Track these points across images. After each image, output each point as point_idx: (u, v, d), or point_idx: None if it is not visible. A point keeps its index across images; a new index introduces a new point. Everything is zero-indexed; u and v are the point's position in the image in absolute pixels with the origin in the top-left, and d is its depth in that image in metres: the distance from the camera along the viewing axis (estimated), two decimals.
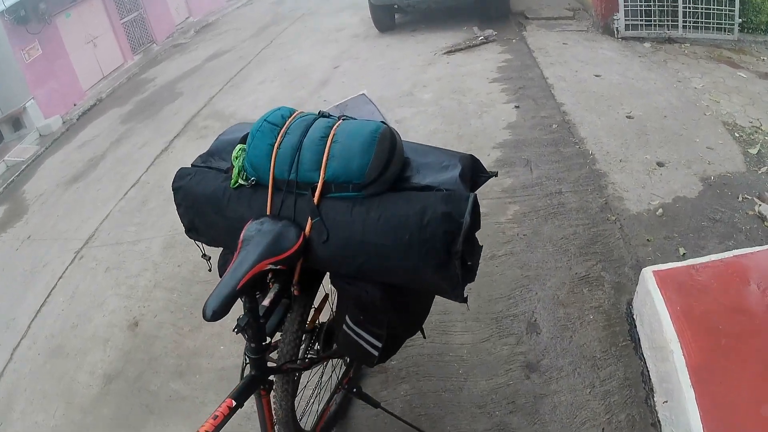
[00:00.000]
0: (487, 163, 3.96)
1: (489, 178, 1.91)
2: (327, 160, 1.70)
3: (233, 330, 1.75)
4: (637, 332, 2.64)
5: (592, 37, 6.05)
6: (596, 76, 5.04)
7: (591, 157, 3.85)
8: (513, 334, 2.80)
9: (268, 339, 1.95)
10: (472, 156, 1.85)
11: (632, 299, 2.76)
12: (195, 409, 3.18)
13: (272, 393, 2.09)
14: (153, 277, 4.44)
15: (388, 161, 1.68)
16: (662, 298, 2.34)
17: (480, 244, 1.78)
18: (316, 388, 2.50)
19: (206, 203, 2.04)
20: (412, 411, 2.62)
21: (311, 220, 1.75)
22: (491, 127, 4.54)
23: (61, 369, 4.00)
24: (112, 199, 5.90)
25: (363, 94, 2.04)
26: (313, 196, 1.74)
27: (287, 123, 1.83)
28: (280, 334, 2.08)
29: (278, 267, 1.74)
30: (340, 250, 1.75)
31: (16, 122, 8.92)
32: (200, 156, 2.17)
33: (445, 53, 6.43)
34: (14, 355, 4.52)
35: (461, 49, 6.34)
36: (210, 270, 2.26)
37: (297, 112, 1.89)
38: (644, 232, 3.16)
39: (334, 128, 1.75)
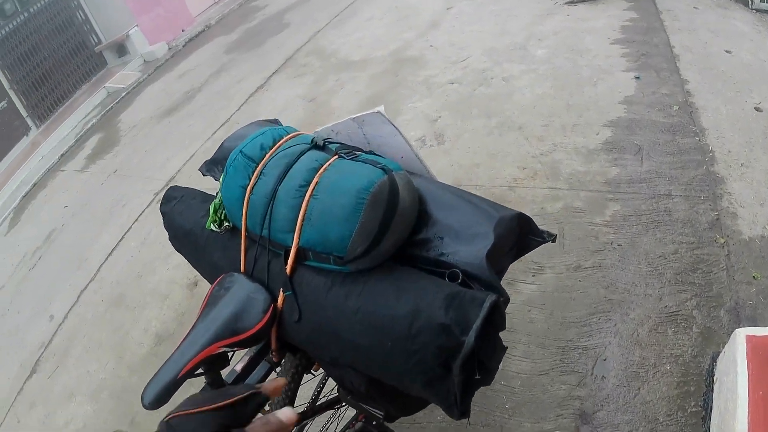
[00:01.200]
0: (594, 144, 3.71)
1: (543, 244, 1.50)
2: (302, 222, 1.37)
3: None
4: (711, 400, 2.28)
5: (725, 3, 5.30)
6: (726, 51, 4.45)
7: (710, 155, 3.44)
8: (576, 372, 2.57)
9: None
10: (520, 216, 1.40)
11: (717, 354, 2.40)
12: None
13: None
14: None
15: (381, 232, 1.30)
16: (747, 374, 1.96)
17: (505, 345, 1.33)
18: (330, 418, 2.32)
19: (184, 239, 1.84)
20: None
21: (283, 292, 1.48)
22: (605, 99, 4.15)
23: (119, 320, 4.25)
24: (200, 138, 5.98)
25: (378, 111, 1.58)
26: (286, 263, 1.44)
27: (266, 157, 1.50)
28: None
29: (234, 349, 1.49)
30: (314, 336, 1.46)
31: (121, 48, 9.17)
32: (205, 163, 1.92)
33: (566, 3, 5.86)
34: (81, 297, 4.81)
35: (584, 0, 5.78)
36: None
37: (285, 138, 1.56)
38: (752, 265, 2.79)
39: (320, 172, 1.39)
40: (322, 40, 6.94)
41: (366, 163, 1.39)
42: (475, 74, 5.01)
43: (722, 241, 2.95)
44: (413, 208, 1.39)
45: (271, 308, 1.47)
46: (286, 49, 7.11)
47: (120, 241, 5.18)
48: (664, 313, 2.70)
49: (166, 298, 4.15)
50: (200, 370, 1.46)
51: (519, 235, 1.43)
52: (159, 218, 5.13)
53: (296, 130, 1.64)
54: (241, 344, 1.47)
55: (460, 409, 1.27)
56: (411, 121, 4.66)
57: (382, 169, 1.35)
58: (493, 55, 5.23)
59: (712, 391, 2.30)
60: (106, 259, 5.05)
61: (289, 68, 6.59)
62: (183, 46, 8.99)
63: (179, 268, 4.37)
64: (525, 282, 3.00)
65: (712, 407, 2.26)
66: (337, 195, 1.32)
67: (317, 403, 2.13)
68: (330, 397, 2.18)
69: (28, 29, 8.31)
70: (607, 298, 2.83)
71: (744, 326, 2.38)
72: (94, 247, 5.40)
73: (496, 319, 1.23)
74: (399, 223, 1.34)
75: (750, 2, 5.16)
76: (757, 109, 3.79)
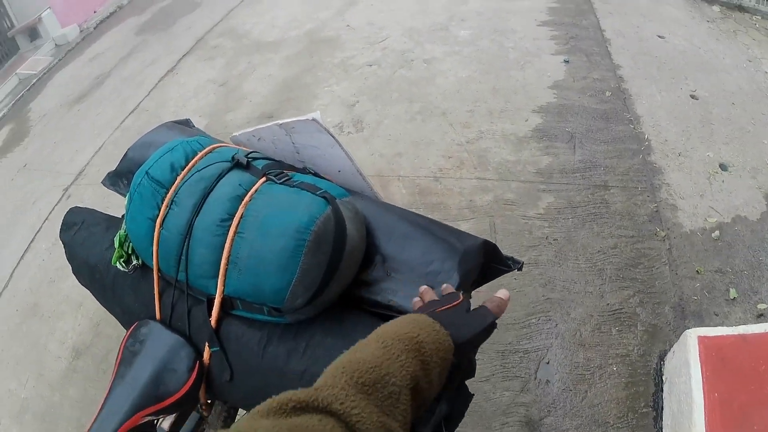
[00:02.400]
0: (523, 131, 3.50)
1: (509, 272, 1.28)
2: (226, 267, 1.12)
3: None
4: (662, 400, 2.24)
5: None
6: (659, 36, 4.35)
7: (646, 144, 3.29)
8: (519, 377, 2.42)
9: None
10: (485, 244, 1.20)
11: (665, 352, 2.36)
12: None
13: None
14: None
15: (326, 277, 1.08)
16: (701, 377, 1.93)
17: (471, 392, 1.14)
18: None
19: (89, 276, 1.53)
20: None
21: (209, 347, 1.23)
22: (534, 84, 3.95)
23: (36, 333, 3.95)
24: (108, 128, 5.68)
25: (313, 119, 1.31)
26: (210, 314, 1.20)
27: (178, 180, 1.22)
28: None
29: (160, 417, 1.28)
30: (251, 399, 1.20)
31: (33, 32, 8.80)
32: (108, 175, 1.64)
33: None
34: None
35: None
36: None
37: (200, 154, 1.28)
38: (695, 258, 2.68)
39: (245, 201, 1.13)
40: (234, 19, 6.62)
41: (302, 190, 1.14)
42: (395, 56, 4.76)
43: (663, 234, 2.81)
44: (362, 245, 1.17)
45: (196, 366, 1.24)
46: (196, 29, 6.80)
47: (31, 243, 4.81)
48: (606, 312, 2.56)
49: (80, 306, 3.85)
50: None
51: (483, 264, 1.21)
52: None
53: (212, 141, 1.35)
54: (167, 410, 1.24)
55: None
56: (327, 107, 4.37)
57: (323, 197, 1.12)
58: (413, 35, 4.99)
59: (662, 390, 2.27)
60: (18, 263, 4.67)
61: (199, 50, 6.29)
62: (94, 28, 8.59)
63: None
64: None
65: (663, 407, 2.23)
66: (269, 235, 1.08)
67: None
68: None
69: None
70: (545, 297, 2.67)
71: (690, 323, 2.44)
72: (5, 252, 5.00)
73: (468, 371, 1.06)
74: (346, 266, 1.11)
75: None
76: (692, 96, 3.67)
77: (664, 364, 2.33)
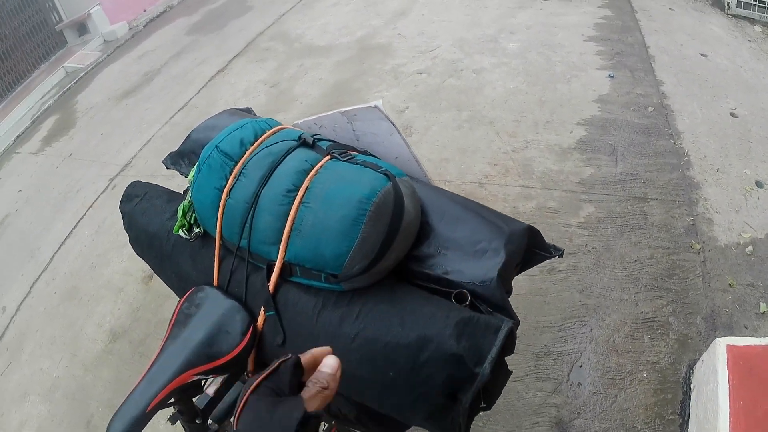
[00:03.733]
0: (567, 142, 3.61)
1: (550, 258, 1.34)
2: (289, 233, 1.18)
3: (167, 421, 1.41)
4: (689, 408, 2.27)
5: (701, 7, 5.27)
6: (702, 55, 4.40)
7: (686, 159, 3.37)
8: (552, 379, 2.49)
9: (214, 425, 1.55)
10: (529, 229, 1.27)
11: (694, 362, 2.40)
12: None
13: None
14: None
15: (384, 248, 1.14)
16: (728, 384, 1.95)
17: (510, 369, 1.20)
18: None
19: (148, 244, 1.60)
20: None
21: (264, 311, 1.29)
22: (579, 97, 4.05)
23: (73, 315, 4.04)
24: (157, 123, 5.78)
25: (375, 106, 1.38)
26: (269, 279, 1.26)
27: (246, 154, 1.30)
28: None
29: (209, 376, 1.31)
30: None
31: (82, 27, 8.85)
32: (170, 155, 1.71)
33: None
34: (33, 289, 4.58)
35: None
36: None
37: (268, 132, 1.36)
38: (728, 272, 2.75)
39: (310, 175, 1.20)
40: (286, 24, 6.71)
41: (365, 167, 1.22)
42: (445, 65, 4.87)
43: (698, 247, 2.89)
44: (417, 221, 1.24)
45: (250, 330, 1.29)
46: (248, 32, 6.88)
47: (74, 228, 4.94)
48: (640, 319, 2.63)
49: (121, 291, 3.96)
50: (171, 400, 1.29)
51: (527, 249, 1.28)
52: (114, 206, 4.81)
53: (279, 123, 1.43)
54: (217, 371, 1.29)
55: None
56: None
57: (385, 174, 1.19)
58: (463, 46, 5.09)
59: (690, 399, 2.29)
60: (59, 247, 4.81)
61: (251, 52, 6.38)
62: (144, 27, 8.65)
63: (134, 259, 4.09)
64: None
65: (689, 415, 2.24)
66: (333, 204, 1.14)
67: None
68: None
69: None
70: (582, 302, 2.75)
71: (721, 334, 2.45)
72: (47, 235, 5.14)
73: (508, 345, 1.10)
74: (402, 238, 1.18)
75: (726, 7, 5.12)
76: (732, 114, 3.74)
77: (693, 372, 2.37)
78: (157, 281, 3.65)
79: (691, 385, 2.34)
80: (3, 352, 4.20)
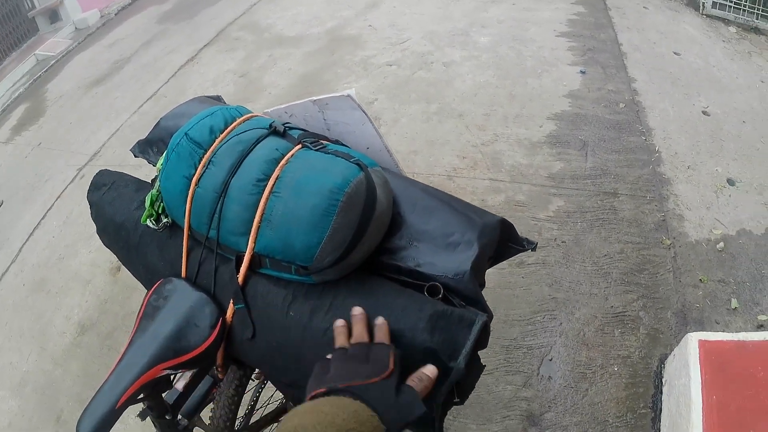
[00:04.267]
0: (537, 136, 3.59)
1: (523, 252, 1.34)
2: (259, 224, 1.16)
3: (137, 416, 1.41)
4: (661, 402, 2.27)
5: (675, 6, 5.31)
6: (675, 53, 4.41)
7: (657, 156, 3.35)
8: (522, 372, 2.47)
9: (183, 420, 1.57)
10: (502, 222, 1.25)
11: (666, 356, 2.41)
12: None
13: None
14: None
15: (355, 239, 1.11)
16: (700, 379, 1.95)
17: (483, 363, 1.19)
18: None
19: (115, 234, 1.58)
20: None
21: (233, 304, 1.26)
22: (549, 92, 4.02)
23: (41, 307, 3.97)
24: (126, 112, 5.71)
25: (348, 95, 1.36)
26: (238, 271, 1.23)
27: (216, 142, 1.26)
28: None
29: (178, 371, 1.31)
30: (269, 357, 1.27)
31: (54, 14, 8.79)
32: (138, 143, 1.67)
33: None
34: (1, 281, 4.48)
35: None
36: None
37: (239, 120, 1.32)
38: (698, 268, 2.74)
39: (281, 164, 1.18)
40: (257, 14, 6.67)
41: (337, 156, 1.19)
42: (415, 57, 4.83)
43: (668, 242, 2.87)
44: (389, 212, 1.21)
45: (219, 323, 1.27)
46: (219, 21, 6.85)
47: (42, 219, 4.84)
48: (610, 314, 2.61)
49: (89, 283, 3.90)
50: (140, 396, 1.28)
51: (499, 242, 1.26)
52: (81, 196, 4.75)
53: (249, 111, 1.38)
54: (186, 365, 1.27)
55: (437, 429, 1.10)
56: None
57: (357, 164, 1.15)
58: (434, 39, 5.05)
59: (662, 393, 2.30)
60: (28, 238, 4.71)
61: (221, 41, 6.34)
62: (115, 14, 8.60)
63: (102, 250, 4.00)
64: None
65: (661, 409, 2.25)
66: (304, 194, 1.11)
67: (254, 416, 1.97)
68: (274, 405, 2.04)
69: None
70: (551, 296, 2.72)
71: (692, 329, 2.46)
72: (16, 226, 5.03)
73: (482, 339, 1.08)
74: (374, 229, 1.15)
75: (701, 7, 5.16)
76: (704, 112, 3.75)
77: (664, 367, 2.37)
78: (125, 273, 3.67)
79: (663, 380, 2.34)
80: None
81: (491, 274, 2.74)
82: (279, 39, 5.86)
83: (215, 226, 1.23)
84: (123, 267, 3.75)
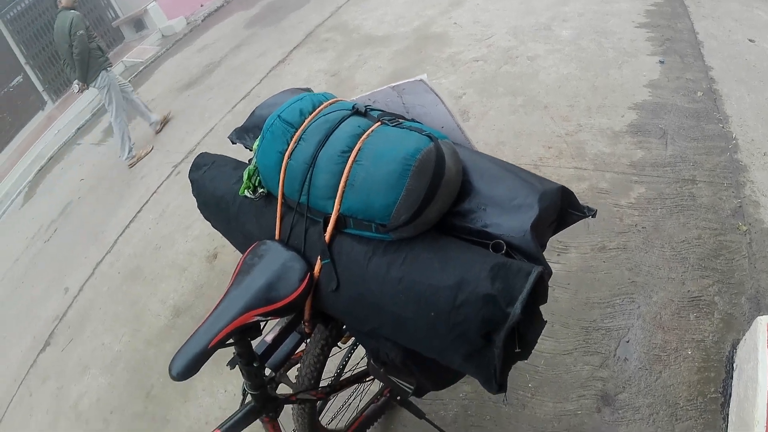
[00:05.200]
0: (619, 126, 3.76)
1: (582, 219, 1.45)
2: (344, 188, 1.33)
3: (227, 365, 1.55)
4: (731, 387, 2.29)
5: None
6: (750, 40, 4.43)
7: (734, 143, 3.47)
8: (599, 353, 2.58)
9: (270, 372, 1.71)
10: (562, 189, 1.37)
11: (738, 341, 2.43)
12: None
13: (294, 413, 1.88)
14: None
15: (426, 200, 1.26)
16: (767, 362, 1.95)
17: (544, 319, 1.32)
18: (354, 393, 2.33)
19: (215, 206, 1.78)
20: (466, 419, 2.49)
21: (320, 260, 1.43)
22: (630, 82, 4.18)
23: (136, 293, 4.31)
24: (220, 112, 6.00)
25: (421, 80, 1.54)
26: (325, 230, 1.41)
27: (305, 122, 1.45)
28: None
29: (268, 318, 1.44)
30: (351, 307, 1.42)
31: (138, 23, 9.22)
32: (235, 130, 1.85)
33: None
34: (96, 270, 4.83)
35: None
36: None
37: (325, 104, 1.51)
38: None
39: (362, 138, 1.35)
40: (344, 15, 6.87)
41: (411, 131, 1.35)
42: (500, 52, 5.03)
43: (744, 228, 3.00)
44: (458, 178, 1.35)
45: (307, 277, 1.44)
46: (307, 24, 7.05)
47: (138, 213, 5.17)
48: (686, 298, 2.72)
49: (185, 270, 4.17)
50: (231, 340, 1.43)
51: (560, 208, 1.39)
52: (178, 191, 4.98)
53: (334, 97, 1.59)
54: (276, 313, 1.43)
55: (498, 382, 1.25)
56: None
57: (428, 136, 1.32)
58: (518, 34, 5.24)
59: (732, 378, 2.31)
60: (123, 231, 5.05)
61: (310, 43, 6.55)
62: (202, 21, 8.94)
63: (199, 240, 4.38)
64: (550, 261, 2.88)
65: (731, 394, 2.25)
66: (382, 161, 1.29)
67: (342, 378, 2.07)
68: (356, 371, 2.13)
69: (45, 4, 8.31)
70: (630, 280, 2.86)
71: (765, 314, 2.37)
72: (110, 220, 5.37)
73: (540, 291, 1.20)
74: (444, 192, 1.30)
75: None
76: None
77: (736, 352, 2.39)
78: (221, 260, 3.99)
79: (734, 364, 2.36)
80: (64, 330, 4.41)
81: (574, 258, 3.00)
82: (368, 39, 6.08)
83: (306, 192, 1.41)
84: (219, 255, 3.99)
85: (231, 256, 4.03)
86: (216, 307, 1.41)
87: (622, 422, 2.33)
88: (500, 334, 1.16)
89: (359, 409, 2.36)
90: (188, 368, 1.32)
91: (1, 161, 9.86)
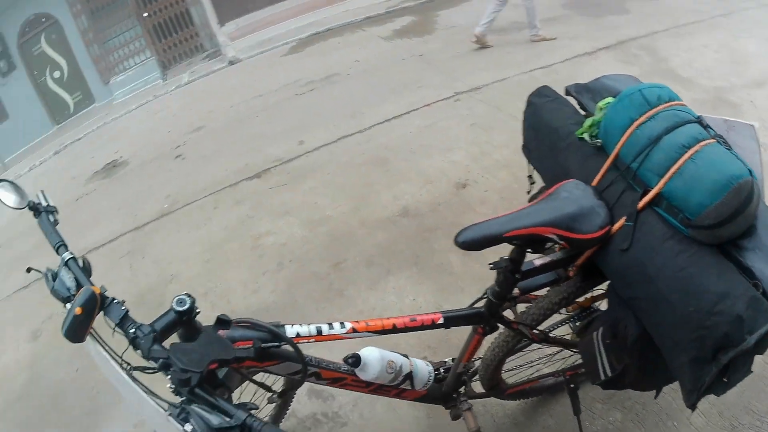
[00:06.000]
0: None
1: None
2: (674, 172, 1.46)
3: (489, 264, 1.64)
4: None
5: None
6: None
7: None
8: None
9: (517, 292, 1.79)
10: None
11: None
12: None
13: (496, 335, 1.98)
14: (506, 155, 4.37)
15: (731, 217, 1.37)
16: None
17: (752, 370, 1.41)
18: (535, 361, 2.40)
19: (546, 134, 1.93)
20: None
21: (624, 221, 1.56)
22: None
23: (373, 178, 4.42)
24: (517, 68, 6.32)
25: (752, 125, 1.67)
26: (641, 199, 1.54)
27: (660, 107, 1.58)
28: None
29: (561, 243, 1.59)
30: (627, 270, 1.53)
31: None
32: (575, 84, 2.00)
33: None
34: (341, 140, 5.08)
35: None
36: (528, 192, 2.11)
37: (676, 102, 1.63)
38: None
39: (700, 144, 1.47)
40: (657, 41, 6.72)
41: (738, 158, 1.46)
42: None
43: None
44: (754, 215, 1.45)
45: (606, 227, 1.58)
46: (620, 32, 7.01)
47: (404, 114, 5.38)
48: None
49: (430, 183, 4.26)
50: (519, 241, 1.58)
51: None
52: (452, 114, 5.20)
53: (680, 99, 1.69)
54: (567, 241, 1.58)
55: (698, 397, 1.41)
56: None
57: (749, 170, 1.43)
58: None
59: None
60: (383, 122, 5.25)
61: (619, 51, 6.55)
62: None
63: (455, 165, 4.44)
64: None
65: None
66: (713, 169, 1.41)
67: (551, 334, 2.14)
68: (564, 337, 2.22)
69: None
70: None
71: None
72: (373, 107, 5.60)
73: (766, 343, 1.33)
74: (741, 220, 1.40)
75: None
76: None
77: None
78: (469, 192, 4.03)
79: None
80: (281, 173, 4.64)
81: None
82: (671, 74, 5.91)
83: (640, 160, 1.55)
84: (468, 187, 4.04)
85: (479, 193, 4.05)
86: (519, 210, 1.61)
87: None
88: (728, 354, 1.30)
89: (532, 376, 2.47)
90: (476, 242, 1.51)
91: (276, 11, 10.92)
